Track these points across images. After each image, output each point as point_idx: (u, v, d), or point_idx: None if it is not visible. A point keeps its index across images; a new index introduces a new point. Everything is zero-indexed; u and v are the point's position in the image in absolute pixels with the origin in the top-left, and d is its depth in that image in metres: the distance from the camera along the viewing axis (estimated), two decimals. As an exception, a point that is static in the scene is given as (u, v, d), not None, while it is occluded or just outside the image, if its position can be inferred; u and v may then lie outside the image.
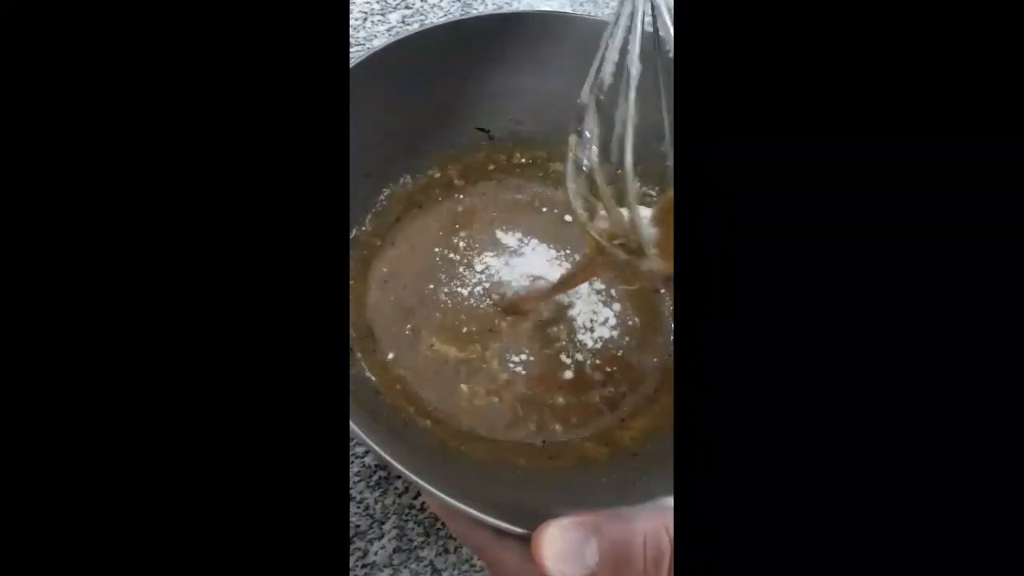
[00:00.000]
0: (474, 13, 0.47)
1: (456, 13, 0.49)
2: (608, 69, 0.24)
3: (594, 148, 0.25)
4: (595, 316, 0.37)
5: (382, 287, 0.36)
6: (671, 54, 0.23)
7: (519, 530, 0.21)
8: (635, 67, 0.23)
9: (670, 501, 0.20)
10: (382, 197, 0.37)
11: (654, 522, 0.19)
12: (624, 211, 0.25)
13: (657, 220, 0.26)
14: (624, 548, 0.19)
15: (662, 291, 0.38)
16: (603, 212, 0.26)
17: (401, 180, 0.38)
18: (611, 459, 0.31)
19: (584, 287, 0.37)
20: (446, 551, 0.32)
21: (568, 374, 0.35)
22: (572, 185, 0.27)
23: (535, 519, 0.20)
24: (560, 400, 0.34)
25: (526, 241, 0.38)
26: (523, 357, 0.35)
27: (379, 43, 0.31)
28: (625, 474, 0.30)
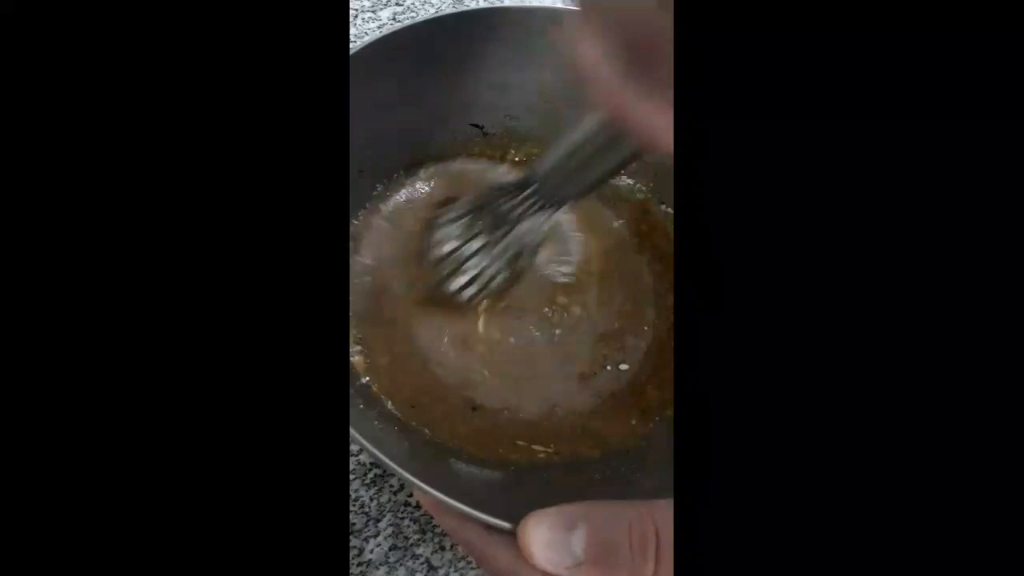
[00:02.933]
0: (465, 8, 0.47)
1: (447, 9, 0.49)
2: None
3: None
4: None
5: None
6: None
7: (508, 526, 0.21)
8: None
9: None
10: (376, 194, 0.37)
11: (639, 509, 0.19)
12: None
13: None
14: (610, 534, 0.19)
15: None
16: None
17: (395, 176, 0.38)
18: (602, 456, 0.31)
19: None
20: (442, 548, 0.32)
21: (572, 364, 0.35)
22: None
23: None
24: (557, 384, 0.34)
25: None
26: (518, 338, 0.35)
27: (370, 40, 0.31)
28: (617, 471, 0.30)
